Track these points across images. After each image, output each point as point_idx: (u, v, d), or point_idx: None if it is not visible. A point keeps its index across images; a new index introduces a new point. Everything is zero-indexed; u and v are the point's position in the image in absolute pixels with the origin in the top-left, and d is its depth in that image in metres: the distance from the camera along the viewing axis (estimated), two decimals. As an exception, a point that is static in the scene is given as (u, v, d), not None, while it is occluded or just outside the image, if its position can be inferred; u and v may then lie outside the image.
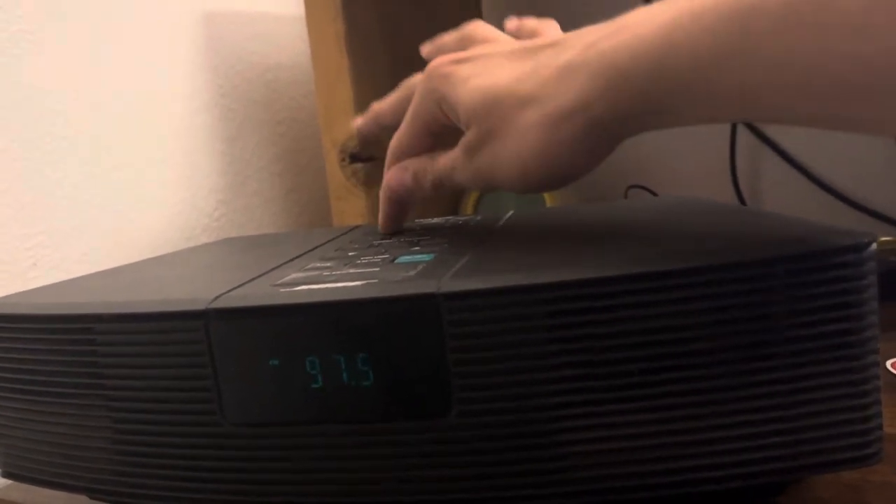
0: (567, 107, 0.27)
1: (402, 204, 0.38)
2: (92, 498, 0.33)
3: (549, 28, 0.37)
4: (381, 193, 0.38)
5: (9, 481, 0.34)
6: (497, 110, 0.29)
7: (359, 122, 0.41)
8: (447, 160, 0.33)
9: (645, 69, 0.24)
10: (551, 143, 0.28)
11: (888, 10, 0.19)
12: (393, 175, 0.36)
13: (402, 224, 0.41)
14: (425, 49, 0.40)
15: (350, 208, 0.66)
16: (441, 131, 0.34)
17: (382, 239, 0.38)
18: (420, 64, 0.36)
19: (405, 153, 0.36)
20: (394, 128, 0.37)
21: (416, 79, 0.36)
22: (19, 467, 0.33)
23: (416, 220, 0.47)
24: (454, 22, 0.39)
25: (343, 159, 0.66)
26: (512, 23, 0.38)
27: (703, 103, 0.24)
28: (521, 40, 0.34)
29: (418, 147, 0.35)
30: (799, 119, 0.24)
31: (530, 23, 0.37)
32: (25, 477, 0.33)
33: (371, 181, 0.64)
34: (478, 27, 0.36)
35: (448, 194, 0.75)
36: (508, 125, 0.29)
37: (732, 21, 0.22)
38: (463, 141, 0.32)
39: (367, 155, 0.65)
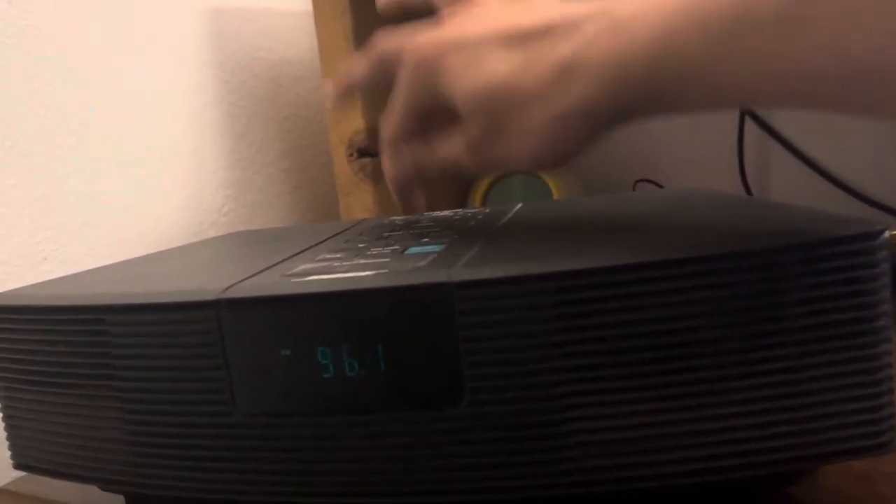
0: (573, 108, 0.28)
1: (411, 189, 0.38)
2: (104, 489, 0.33)
3: None
4: (389, 186, 0.38)
5: (21, 473, 0.35)
6: (498, 108, 0.29)
7: (329, 86, 0.40)
8: (450, 152, 0.33)
9: (643, 71, 0.25)
10: (561, 140, 0.29)
11: (873, 9, 0.20)
12: (393, 167, 0.36)
13: (421, 205, 0.40)
14: (381, 1, 0.39)
15: (358, 203, 0.66)
16: (434, 111, 0.34)
17: (391, 231, 0.38)
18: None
19: (399, 139, 0.36)
20: (366, 89, 0.38)
21: (386, 46, 0.35)
22: (32, 458, 0.33)
23: (425, 213, 0.47)
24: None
25: (350, 154, 0.66)
26: None
27: (700, 99, 0.25)
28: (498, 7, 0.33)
29: (411, 132, 0.35)
30: (797, 107, 0.24)
31: None
32: (38, 468, 0.33)
33: (378, 175, 0.64)
34: None
35: (456, 187, 0.75)
36: (514, 123, 0.29)
37: (725, 22, 0.23)
38: (466, 136, 0.32)
39: (374, 150, 0.65)
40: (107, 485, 0.32)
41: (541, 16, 0.29)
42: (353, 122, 0.64)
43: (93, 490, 0.34)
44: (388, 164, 0.37)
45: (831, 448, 0.25)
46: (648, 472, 0.25)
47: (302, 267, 0.30)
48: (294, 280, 0.27)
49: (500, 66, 0.29)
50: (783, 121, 0.71)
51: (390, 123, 0.35)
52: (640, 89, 0.26)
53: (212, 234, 0.71)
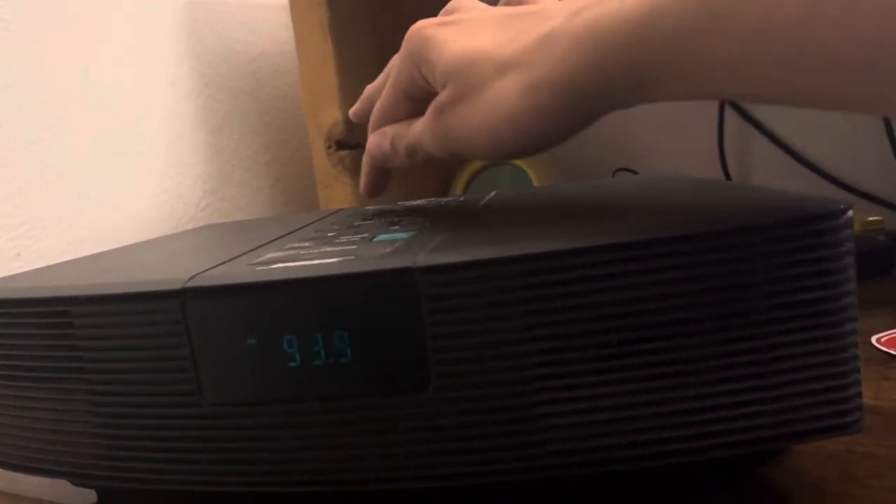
0: (547, 75, 0.26)
1: (381, 170, 0.38)
2: (75, 483, 0.33)
3: None
4: (363, 159, 0.38)
5: (-9, 469, 0.34)
6: (474, 72, 0.28)
7: (354, 108, 0.40)
8: (419, 125, 0.32)
9: (627, 38, 0.24)
10: (527, 111, 0.27)
11: None
12: (373, 141, 0.36)
13: (382, 190, 0.40)
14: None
15: (337, 196, 0.66)
16: (421, 96, 0.33)
17: (363, 220, 0.38)
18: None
19: (386, 119, 0.35)
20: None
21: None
22: (1, 454, 0.32)
23: (399, 203, 0.46)
24: (438, 7, 0.38)
25: (329, 147, 0.65)
26: None
27: (686, 75, 0.23)
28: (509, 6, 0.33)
29: (399, 112, 0.34)
30: (784, 95, 0.23)
31: None
32: (7, 464, 0.32)
33: (357, 168, 0.63)
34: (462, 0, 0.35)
35: (430, 168, 0.75)
36: (484, 88, 0.28)
37: None
38: (434, 101, 0.31)
39: (353, 142, 0.64)
40: (77, 479, 0.31)
41: (538, 5, 0.30)
42: (332, 115, 0.64)
43: (64, 484, 0.34)
44: (369, 141, 0.36)
45: (799, 428, 0.25)
46: (619, 455, 0.25)
47: (268, 255, 0.30)
48: (259, 268, 0.27)
49: (488, 38, 0.29)
50: (763, 109, 0.71)
51: (380, 99, 0.35)
52: (624, 63, 0.24)
53: (190, 228, 0.71)
